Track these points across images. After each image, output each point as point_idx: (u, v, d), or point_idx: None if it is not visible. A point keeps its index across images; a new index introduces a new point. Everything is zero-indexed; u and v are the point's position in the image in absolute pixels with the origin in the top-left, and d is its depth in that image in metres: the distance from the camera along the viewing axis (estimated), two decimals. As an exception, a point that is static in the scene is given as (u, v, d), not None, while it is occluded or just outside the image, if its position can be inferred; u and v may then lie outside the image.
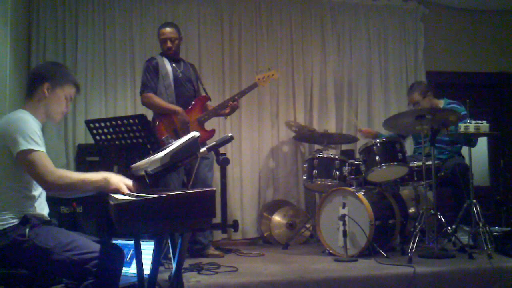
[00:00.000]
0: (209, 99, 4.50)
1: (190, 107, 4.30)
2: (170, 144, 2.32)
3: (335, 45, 5.81)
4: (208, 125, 4.40)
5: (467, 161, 4.35)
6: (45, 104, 2.50)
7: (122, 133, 2.72)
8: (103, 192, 2.43)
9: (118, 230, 1.97)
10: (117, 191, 2.33)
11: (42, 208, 2.47)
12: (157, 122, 4.18)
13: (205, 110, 4.38)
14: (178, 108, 4.17)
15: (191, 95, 4.38)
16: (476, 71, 6.35)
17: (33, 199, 2.40)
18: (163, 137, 2.44)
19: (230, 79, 5.48)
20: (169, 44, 4.30)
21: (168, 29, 4.31)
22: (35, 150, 2.28)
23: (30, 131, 2.31)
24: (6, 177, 2.34)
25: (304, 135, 5.21)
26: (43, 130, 2.49)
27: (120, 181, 2.36)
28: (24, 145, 2.27)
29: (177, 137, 3.72)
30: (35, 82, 2.50)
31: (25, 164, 2.29)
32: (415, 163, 4.28)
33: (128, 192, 2.34)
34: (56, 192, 2.59)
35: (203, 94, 4.50)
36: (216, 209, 1.98)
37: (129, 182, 2.38)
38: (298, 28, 5.72)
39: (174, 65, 4.35)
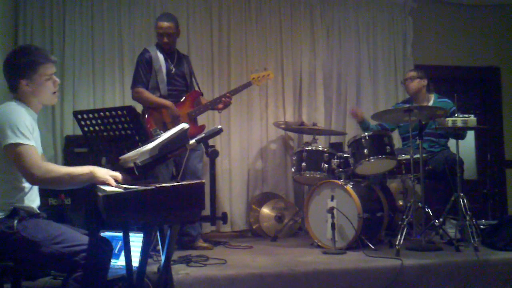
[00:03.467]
0: (201, 94, 4.48)
1: (181, 101, 4.27)
2: (158, 136, 2.32)
3: (324, 38, 5.80)
4: (199, 120, 4.38)
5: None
6: (33, 94, 2.46)
7: (110, 125, 2.69)
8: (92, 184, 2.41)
9: (106, 222, 1.97)
10: (105, 183, 2.31)
11: (33, 200, 2.45)
12: (146, 115, 4.15)
13: (197, 105, 4.36)
14: (168, 103, 4.15)
15: (183, 90, 4.34)
16: (464, 65, 6.38)
17: (23, 191, 2.37)
18: (151, 129, 2.42)
19: (219, 72, 5.45)
20: (165, 39, 4.22)
21: (166, 24, 4.20)
22: (23, 144, 2.26)
23: (20, 124, 2.28)
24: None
25: (293, 128, 5.22)
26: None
27: (106, 174, 2.34)
28: (12, 138, 2.25)
29: (166, 130, 3.70)
30: (13, 80, 2.45)
31: (12, 157, 2.26)
32: (403, 156, 4.30)
33: (116, 184, 2.32)
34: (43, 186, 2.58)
35: (196, 88, 4.47)
36: (205, 201, 1.98)
37: (117, 174, 2.36)
38: (288, 20, 5.69)
39: (168, 58, 4.29)
